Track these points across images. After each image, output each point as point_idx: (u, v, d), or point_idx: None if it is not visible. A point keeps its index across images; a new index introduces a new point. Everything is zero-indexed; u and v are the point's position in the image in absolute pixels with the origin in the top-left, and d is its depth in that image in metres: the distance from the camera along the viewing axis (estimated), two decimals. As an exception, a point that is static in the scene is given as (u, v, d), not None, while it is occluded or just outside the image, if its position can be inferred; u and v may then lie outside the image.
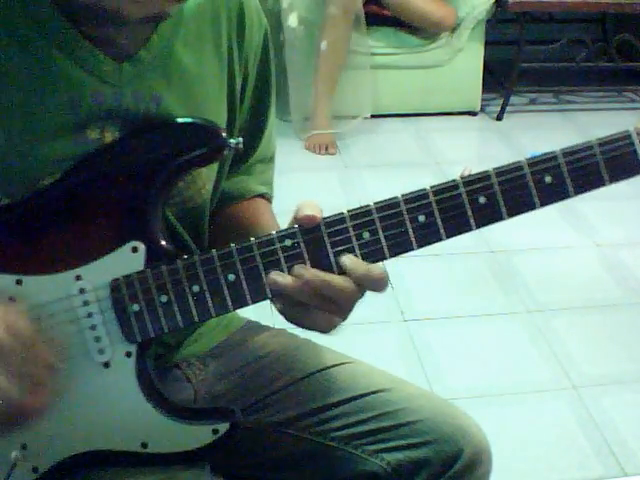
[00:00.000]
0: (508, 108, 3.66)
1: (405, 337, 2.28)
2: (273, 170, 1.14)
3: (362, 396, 1.04)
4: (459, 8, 3.44)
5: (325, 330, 0.86)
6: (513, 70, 3.57)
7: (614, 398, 2.08)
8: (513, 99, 3.69)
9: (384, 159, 3.31)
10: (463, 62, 3.57)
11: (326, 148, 3.31)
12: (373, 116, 3.57)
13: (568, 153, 0.82)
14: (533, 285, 2.53)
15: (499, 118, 3.67)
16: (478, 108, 3.71)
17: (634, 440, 1.94)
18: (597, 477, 1.85)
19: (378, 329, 2.30)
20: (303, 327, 0.87)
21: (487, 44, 3.62)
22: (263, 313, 2.13)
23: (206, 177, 0.98)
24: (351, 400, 1.03)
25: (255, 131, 1.08)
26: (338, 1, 3.22)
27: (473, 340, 2.29)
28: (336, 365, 1.07)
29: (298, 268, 0.83)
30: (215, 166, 1.00)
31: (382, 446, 1.02)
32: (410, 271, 2.53)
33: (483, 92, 3.69)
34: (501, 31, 3.87)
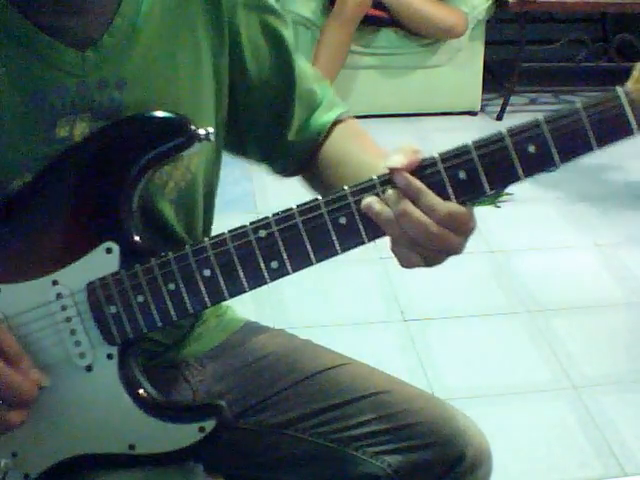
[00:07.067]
0: (508, 108, 3.66)
1: (405, 337, 2.28)
2: (330, 88, 1.08)
3: (362, 398, 1.03)
4: (459, 8, 3.43)
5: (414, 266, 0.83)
6: (513, 70, 3.57)
7: (614, 398, 2.07)
8: (513, 99, 3.69)
9: (384, 159, 3.30)
10: (463, 62, 3.57)
11: None
12: (373, 116, 3.57)
13: (552, 120, 0.77)
14: (533, 285, 2.53)
15: (499, 118, 3.66)
16: (478, 108, 3.70)
17: (634, 440, 1.93)
18: (597, 477, 1.84)
19: (378, 329, 2.30)
20: (402, 265, 0.83)
21: (487, 44, 3.62)
22: (262, 313, 2.13)
23: (190, 154, 0.92)
24: (351, 402, 1.03)
25: (283, 68, 1.02)
26: (345, 10, 3.22)
27: (473, 340, 2.29)
28: (336, 366, 1.07)
29: (388, 190, 0.79)
30: None
31: (383, 448, 1.01)
32: (410, 271, 2.52)
33: (483, 92, 3.68)
34: (501, 31, 3.87)
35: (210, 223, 1.07)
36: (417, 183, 0.78)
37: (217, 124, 0.98)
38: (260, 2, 1.00)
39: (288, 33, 1.03)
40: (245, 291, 0.84)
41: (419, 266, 0.82)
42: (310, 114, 1.05)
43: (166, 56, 0.92)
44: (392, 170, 0.79)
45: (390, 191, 0.79)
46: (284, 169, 1.10)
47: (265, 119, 1.03)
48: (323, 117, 1.05)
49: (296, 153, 1.06)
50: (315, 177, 1.06)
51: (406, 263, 0.83)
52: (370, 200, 0.80)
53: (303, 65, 1.05)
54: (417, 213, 0.78)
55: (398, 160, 0.79)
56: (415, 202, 0.78)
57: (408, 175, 0.79)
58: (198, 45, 0.94)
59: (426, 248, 0.80)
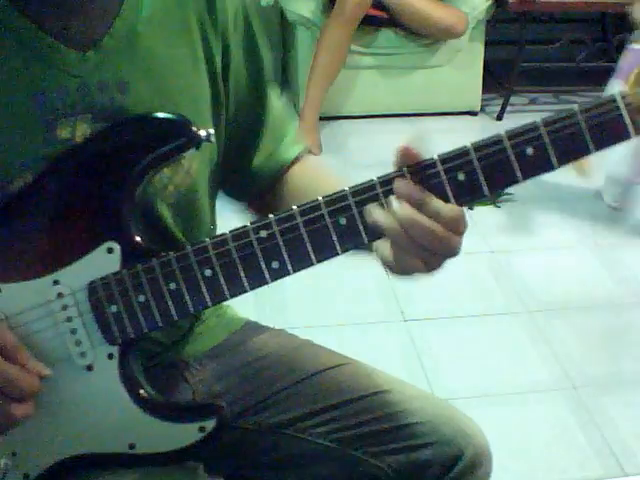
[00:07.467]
0: (508, 108, 3.66)
1: (405, 337, 2.28)
2: (295, 124, 1.11)
3: (362, 398, 1.03)
4: (459, 8, 3.43)
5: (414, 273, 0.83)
6: (513, 70, 3.57)
7: (614, 398, 2.08)
8: (513, 99, 3.69)
9: (384, 159, 3.28)
10: (463, 62, 3.57)
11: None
12: (373, 116, 3.57)
13: (550, 122, 0.78)
14: (533, 285, 2.53)
15: (499, 118, 3.67)
16: (478, 108, 3.71)
17: (634, 440, 1.94)
18: (597, 477, 1.85)
19: (378, 329, 2.30)
20: (402, 274, 0.83)
21: (487, 44, 3.62)
22: (263, 313, 2.13)
23: (191, 158, 0.94)
24: (351, 402, 1.03)
25: (258, 95, 1.04)
26: (345, 10, 3.22)
27: (473, 340, 2.29)
28: (336, 366, 1.07)
29: (392, 201, 0.79)
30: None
31: (383, 448, 1.01)
32: (410, 271, 2.52)
33: (483, 92, 3.69)
34: (501, 31, 3.87)
35: (211, 226, 1.07)
36: (420, 190, 0.78)
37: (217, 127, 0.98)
38: (247, 20, 1.01)
39: (267, 58, 1.04)
40: (246, 291, 0.84)
41: (420, 272, 0.82)
42: (277, 146, 1.06)
43: (165, 59, 0.92)
44: (401, 153, 0.79)
45: (394, 200, 0.79)
46: (242, 196, 1.11)
47: (233, 143, 1.04)
48: (288, 151, 1.07)
49: (257, 182, 1.07)
50: (270, 207, 1.05)
51: (409, 270, 0.82)
52: (376, 216, 0.79)
53: (275, 95, 1.06)
54: (424, 220, 0.78)
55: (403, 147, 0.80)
56: (420, 208, 0.78)
57: (410, 183, 0.79)
58: (194, 47, 0.95)
59: (431, 252, 0.80)
